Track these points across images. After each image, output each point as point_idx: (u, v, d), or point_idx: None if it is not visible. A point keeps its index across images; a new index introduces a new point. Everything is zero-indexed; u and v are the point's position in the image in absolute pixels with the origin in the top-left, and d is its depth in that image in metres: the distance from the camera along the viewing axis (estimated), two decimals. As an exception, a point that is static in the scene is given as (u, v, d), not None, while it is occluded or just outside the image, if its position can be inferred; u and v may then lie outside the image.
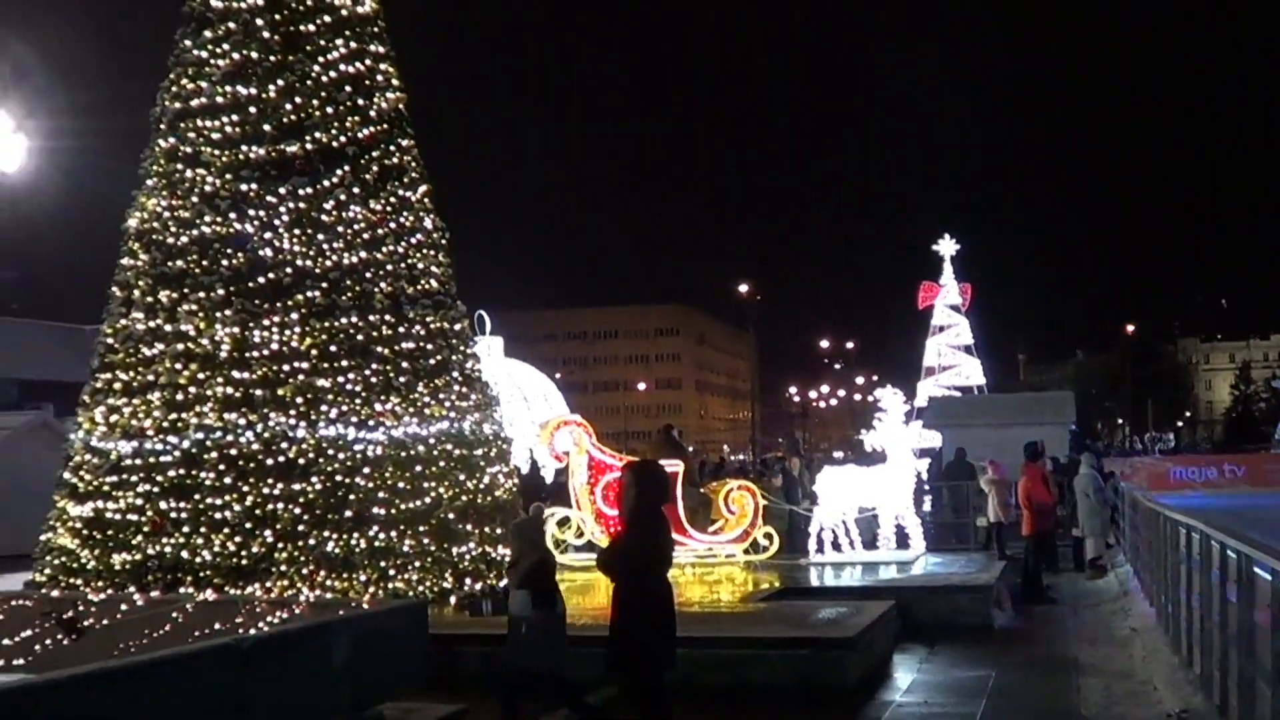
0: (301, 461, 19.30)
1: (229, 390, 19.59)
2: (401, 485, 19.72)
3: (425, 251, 21.45)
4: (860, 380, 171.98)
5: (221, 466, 19.30)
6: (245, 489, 19.20)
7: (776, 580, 23.01)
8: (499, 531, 20.56)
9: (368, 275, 20.43)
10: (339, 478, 19.35)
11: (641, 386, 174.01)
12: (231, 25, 21.05)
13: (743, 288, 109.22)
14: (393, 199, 21.11)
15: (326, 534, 19.08)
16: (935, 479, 35.24)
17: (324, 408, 19.57)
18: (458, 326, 21.81)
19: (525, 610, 13.21)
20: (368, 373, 19.95)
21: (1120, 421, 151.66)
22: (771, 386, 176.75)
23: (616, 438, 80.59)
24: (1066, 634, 20.77)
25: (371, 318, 20.23)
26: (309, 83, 20.81)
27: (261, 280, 19.95)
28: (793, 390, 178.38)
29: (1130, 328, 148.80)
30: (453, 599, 19.48)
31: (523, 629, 13.23)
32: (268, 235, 20.12)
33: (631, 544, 10.95)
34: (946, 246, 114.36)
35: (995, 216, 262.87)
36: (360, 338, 20.05)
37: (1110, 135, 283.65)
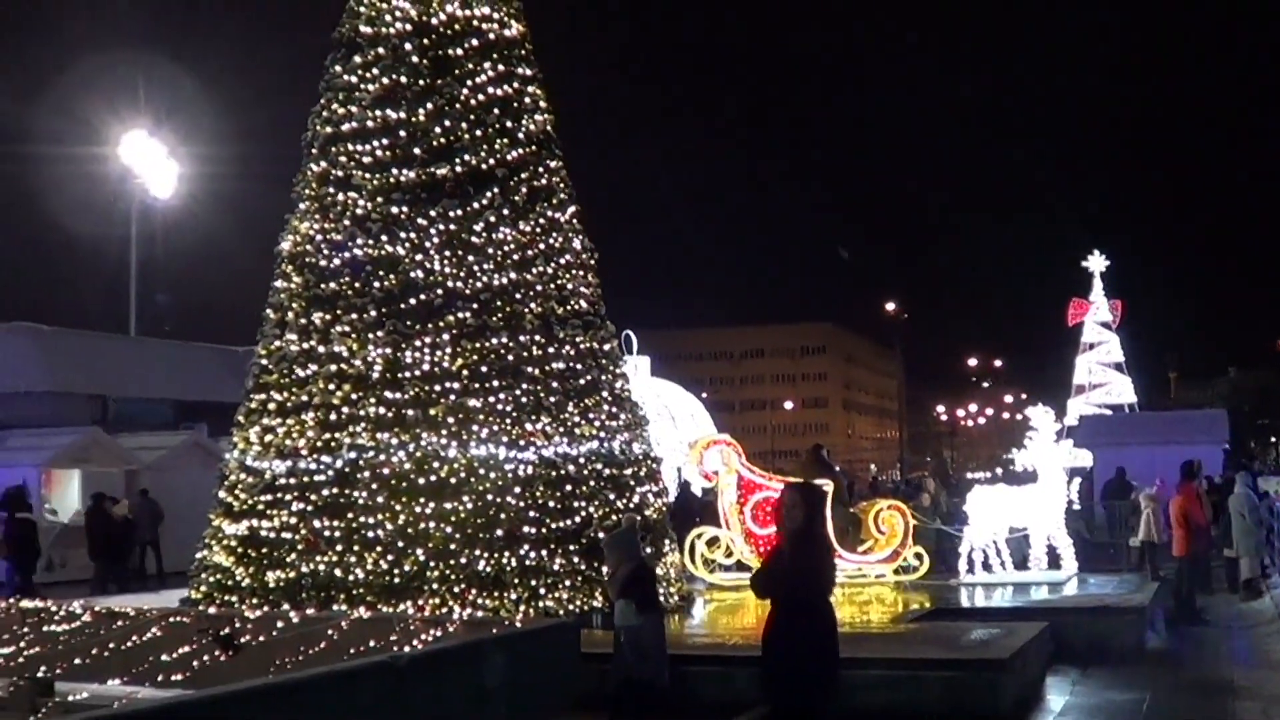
0: (453, 480, 19.45)
1: (381, 410, 19.82)
2: (552, 504, 19.83)
3: (574, 272, 21.59)
4: (1009, 398, 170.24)
5: (374, 485, 19.52)
6: (397, 508, 19.38)
7: (927, 601, 22.76)
8: (648, 550, 20.63)
9: (518, 296, 20.59)
10: (490, 496, 19.48)
11: (788, 405, 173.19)
12: (380, 50, 21.38)
13: (889, 305, 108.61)
14: (542, 220, 21.28)
15: (478, 552, 19.21)
16: (1089, 498, 34.76)
17: (475, 427, 19.72)
18: (607, 346, 21.91)
19: (629, 620, 13.19)
20: (518, 393, 20.09)
21: (1274, 440, 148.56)
22: (919, 405, 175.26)
23: (763, 457, 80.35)
24: (1221, 657, 20.37)
25: (522, 338, 20.38)
26: (458, 106, 21.05)
27: (413, 301, 20.17)
28: (940, 409, 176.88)
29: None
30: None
31: (622, 638, 13.23)
32: (419, 257, 20.36)
33: (795, 565, 10.79)
34: (1096, 262, 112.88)
35: (1146, 231, 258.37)
36: (511, 358, 20.20)
37: (1263, 146, 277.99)
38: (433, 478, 19.42)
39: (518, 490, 19.63)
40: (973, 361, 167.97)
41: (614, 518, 20.27)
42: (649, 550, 20.45)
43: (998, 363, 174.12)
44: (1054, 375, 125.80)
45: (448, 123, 20.89)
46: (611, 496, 20.65)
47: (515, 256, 20.75)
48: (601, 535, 19.52)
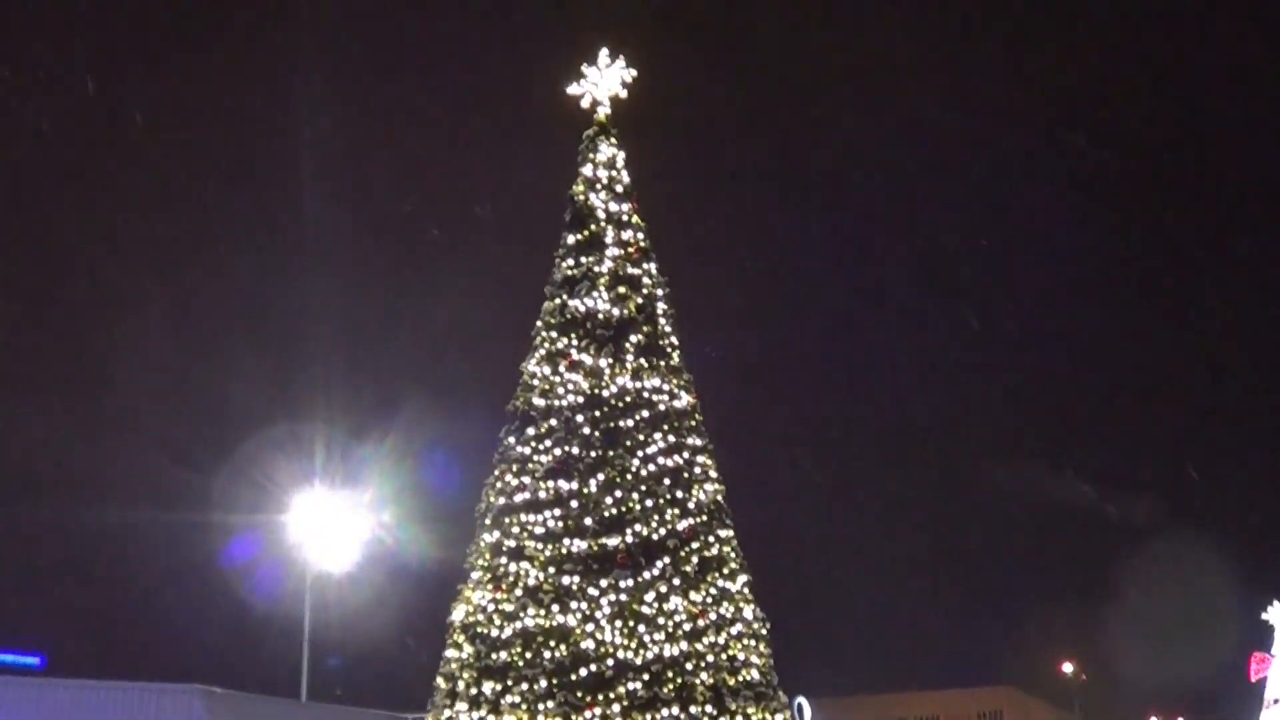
0: None
1: (552, 784, 19.63)
2: None
3: (746, 642, 21.41)
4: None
5: None
6: None
7: None
8: None
9: (689, 667, 20.46)
10: None
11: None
12: (553, 423, 21.83)
13: (1066, 667, 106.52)
14: (713, 590, 21.25)
15: None
16: None
17: (646, 802, 19.43)
18: (779, 718, 21.58)
19: None
20: (689, 766, 19.81)
21: None
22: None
23: (939, 828, 78.19)
24: None
25: (693, 709, 20.18)
26: (629, 477, 21.32)
27: (584, 673, 20.13)
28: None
29: None
30: None
31: None
32: (589, 628, 20.40)
33: None
34: (1275, 614, 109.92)
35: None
36: (682, 731, 19.97)
37: None
38: None
39: None
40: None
41: None
42: None
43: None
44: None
45: (619, 493, 21.15)
46: None
47: (686, 627, 20.70)
48: None
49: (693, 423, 22.39)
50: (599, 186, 23.48)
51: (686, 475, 21.79)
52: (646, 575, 20.74)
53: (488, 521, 21.92)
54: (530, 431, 21.96)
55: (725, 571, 21.65)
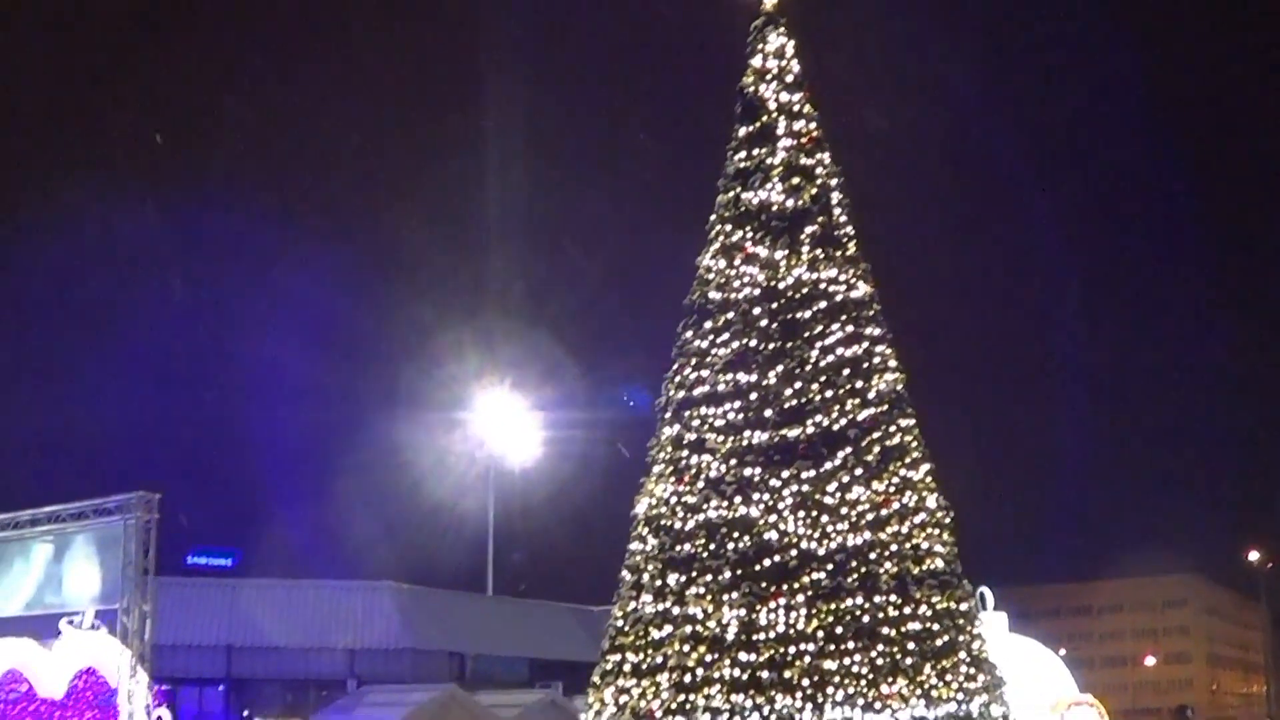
0: (808, 745, 19.22)
1: (736, 672, 19.80)
2: (909, 770, 19.41)
3: (929, 531, 21.34)
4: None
5: (729, 748, 19.41)
6: (752, 770, 19.21)
7: None
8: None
9: (872, 556, 20.46)
10: (845, 760, 19.18)
11: (1150, 661, 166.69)
12: (730, 316, 21.83)
13: (1253, 555, 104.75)
14: (895, 479, 21.19)
15: (833, 816, 18.88)
16: None
17: (830, 690, 19.51)
18: (963, 606, 21.50)
19: None
20: (874, 654, 19.85)
21: None
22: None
23: (1125, 715, 77.48)
24: None
25: (877, 599, 20.18)
26: (808, 368, 21.28)
27: (767, 563, 20.23)
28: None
29: None
30: None
31: None
32: (772, 519, 20.46)
33: None
34: None
35: None
36: (866, 619, 20.00)
37: None
38: (788, 741, 19.22)
39: (873, 754, 19.28)
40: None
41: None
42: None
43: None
44: None
45: (798, 385, 21.12)
46: (971, 761, 20.13)
47: (869, 516, 20.68)
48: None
49: (870, 313, 22.23)
50: (769, 77, 23.33)
51: (866, 365, 21.68)
52: (828, 465, 20.75)
53: (668, 415, 22.08)
54: (708, 325, 22.02)
55: (907, 461, 21.56)
